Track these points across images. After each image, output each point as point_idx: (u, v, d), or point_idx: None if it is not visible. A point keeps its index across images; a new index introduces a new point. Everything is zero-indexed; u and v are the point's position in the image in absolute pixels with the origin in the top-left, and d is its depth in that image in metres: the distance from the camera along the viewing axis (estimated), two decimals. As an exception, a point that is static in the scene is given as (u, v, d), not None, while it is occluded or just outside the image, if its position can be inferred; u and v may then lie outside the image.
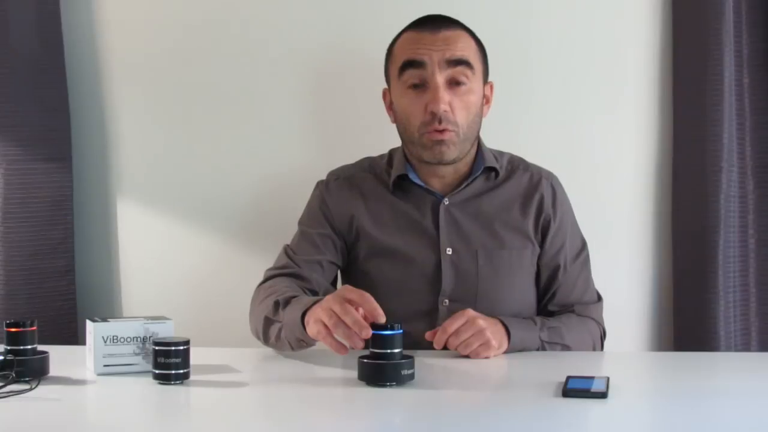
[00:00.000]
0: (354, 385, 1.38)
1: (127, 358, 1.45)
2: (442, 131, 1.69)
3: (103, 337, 1.45)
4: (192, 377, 1.40)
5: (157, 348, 1.38)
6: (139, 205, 2.14)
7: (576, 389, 1.30)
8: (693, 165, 2.01)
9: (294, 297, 1.59)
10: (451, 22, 1.73)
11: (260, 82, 2.11)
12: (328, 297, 1.44)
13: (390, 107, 1.80)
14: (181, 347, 1.38)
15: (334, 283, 1.82)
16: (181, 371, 1.38)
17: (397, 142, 1.83)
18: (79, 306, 2.11)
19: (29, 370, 1.38)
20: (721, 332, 1.98)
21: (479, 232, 1.76)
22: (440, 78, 1.68)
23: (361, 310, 1.39)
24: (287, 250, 1.79)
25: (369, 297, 1.40)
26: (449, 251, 1.75)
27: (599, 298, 1.83)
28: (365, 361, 1.37)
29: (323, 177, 1.86)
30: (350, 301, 1.40)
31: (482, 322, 1.58)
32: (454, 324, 1.57)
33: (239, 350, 1.68)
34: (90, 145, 2.15)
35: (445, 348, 1.58)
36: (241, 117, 2.11)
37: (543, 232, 1.78)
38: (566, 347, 1.69)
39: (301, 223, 1.84)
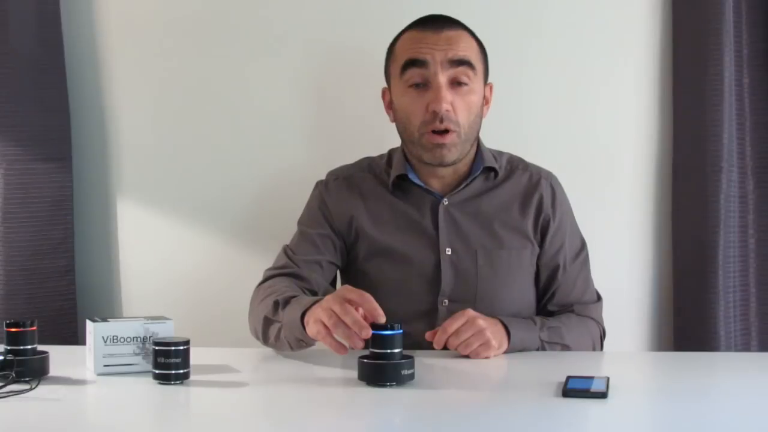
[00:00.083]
0: (354, 385, 1.38)
1: (127, 358, 1.46)
2: (443, 134, 1.69)
3: (103, 337, 1.45)
4: (192, 377, 1.40)
5: (157, 348, 1.38)
6: (139, 205, 2.14)
7: (576, 389, 1.30)
8: (693, 165, 2.01)
9: (293, 297, 1.59)
10: (453, 22, 1.73)
11: (260, 82, 2.11)
12: (328, 297, 1.44)
13: (389, 106, 1.80)
14: (181, 347, 1.38)
15: (333, 284, 1.82)
16: (181, 371, 1.38)
17: (396, 143, 1.83)
18: (79, 306, 2.11)
19: (29, 370, 1.38)
20: (721, 332, 1.98)
21: (478, 232, 1.76)
22: (442, 78, 1.68)
23: (361, 310, 1.39)
24: (286, 250, 1.79)
25: (369, 297, 1.40)
26: (448, 251, 1.75)
27: (599, 298, 1.83)
28: (365, 361, 1.37)
29: (323, 177, 1.86)
30: (350, 301, 1.40)
31: (482, 322, 1.58)
32: (454, 324, 1.57)
33: (239, 350, 1.68)
34: (90, 145, 2.15)
35: (445, 348, 1.58)
36: (240, 117, 2.11)
37: (542, 231, 1.78)
38: (566, 347, 1.69)
39: (300, 223, 1.84)
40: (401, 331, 1.37)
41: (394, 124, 1.81)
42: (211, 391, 1.37)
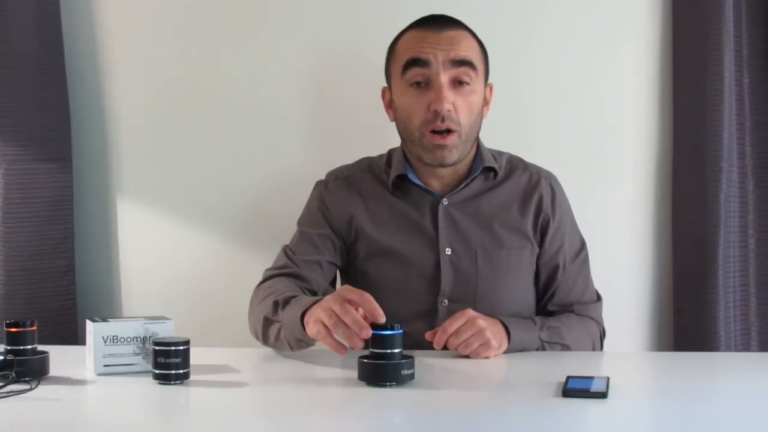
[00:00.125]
0: (354, 385, 1.38)
1: (127, 358, 1.45)
2: (444, 136, 1.69)
3: (103, 337, 1.44)
4: (192, 377, 1.40)
5: (157, 348, 1.38)
6: (139, 205, 2.14)
7: (576, 389, 1.30)
8: (693, 165, 2.01)
9: (293, 297, 1.59)
10: (454, 22, 1.73)
11: (260, 82, 2.11)
12: (328, 297, 1.44)
13: (389, 106, 1.80)
14: (181, 347, 1.38)
15: (333, 284, 1.82)
16: (181, 371, 1.38)
17: (396, 143, 1.83)
18: (79, 306, 2.11)
19: (29, 370, 1.38)
20: (721, 332, 1.98)
21: (478, 232, 1.76)
22: (444, 77, 1.68)
23: (360, 310, 1.39)
24: (286, 251, 1.79)
25: (369, 297, 1.40)
26: (448, 251, 1.75)
27: (598, 298, 1.83)
28: (365, 361, 1.37)
29: (323, 177, 1.86)
30: (350, 301, 1.40)
31: (482, 322, 1.58)
32: (454, 324, 1.57)
33: (239, 350, 1.68)
34: (90, 145, 2.15)
35: (445, 348, 1.58)
36: (240, 117, 2.11)
37: (542, 231, 1.78)
38: (566, 347, 1.69)
39: (300, 223, 1.84)
40: (401, 331, 1.37)
41: (393, 124, 1.81)
42: (211, 391, 1.37)
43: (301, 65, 2.10)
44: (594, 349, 1.77)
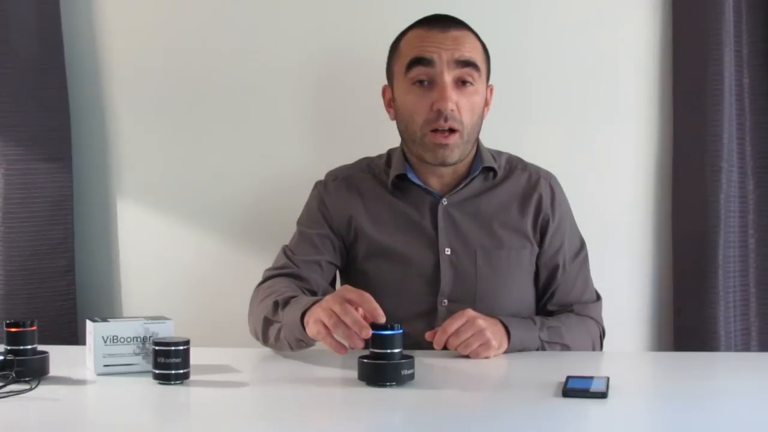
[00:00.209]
0: (354, 385, 1.38)
1: (127, 358, 1.45)
2: (447, 135, 1.69)
3: (103, 337, 1.45)
4: (192, 377, 1.40)
5: (157, 348, 1.38)
6: (139, 205, 2.14)
7: (576, 389, 1.30)
8: (693, 165, 2.01)
9: (293, 297, 1.59)
10: (458, 23, 1.73)
11: (260, 82, 2.11)
12: (328, 297, 1.44)
13: (389, 104, 1.80)
14: (181, 347, 1.38)
15: (333, 284, 1.82)
16: (181, 371, 1.38)
17: (395, 143, 1.83)
18: (79, 306, 2.11)
19: (29, 370, 1.38)
20: (721, 332, 1.98)
21: (478, 232, 1.76)
22: (448, 77, 1.68)
23: (360, 310, 1.39)
24: (286, 251, 1.79)
25: (369, 297, 1.40)
26: (448, 251, 1.75)
27: (598, 298, 1.83)
28: (365, 361, 1.37)
29: (322, 177, 1.86)
30: (350, 301, 1.40)
31: (482, 322, 1.58)
32: (453, 324, 1.57)
33: (239, 350, 1.68)
34: (90, 145, 2.15)
35: (445, 348, 1.58)
36: (240, 117, 2.11)
37: (542, 231, 1.78)
38: (566, 347, 1.69)
39: (299, 223, 1.84)
40: (401, 331, 1.37)
41: (393, 125, 1.81)
42: (211, 391, 1.37)
43: (300, 65, 2.10)
44: (594, 349, 1.77)
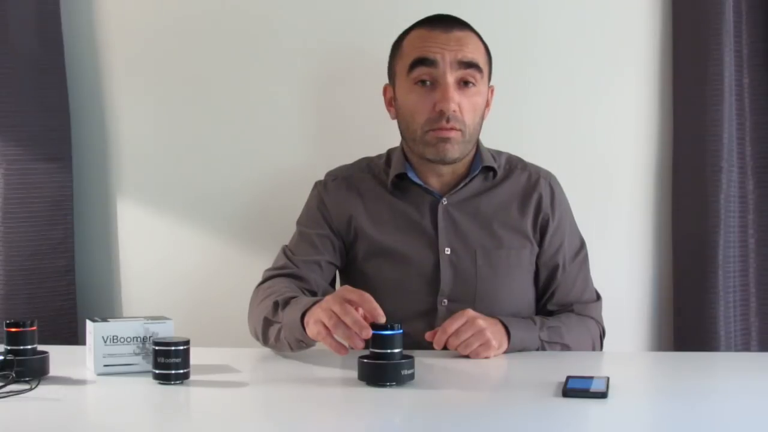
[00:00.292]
0: (354, 385, 1.38)
1: (127, 358, 1.46)
2: (449, 129, 1.69)
3: (103, 337, 1.45)
4: (192, 377, 1.40)
5: (157, 348, 1.38)
6: (139, 205, 2.14)
7: (576, 389, 1.30)
8: (693, 165, 2.01)
9: (293, 297, 1.59)
10: (461, 23, 1.73)
11: (260, 83, 2.11)
12: (328, 297, 1.44)
13: (390, 103, 1.80)
14: (181, 347, 1.38)
15: (332, 284, 1.82)
16: (181, 371, 1.38)
17: (395, 143, 1.83)
18: (79, 306, 2.11)
19: (29, 370, 1.38)
20: (721, 332, 1.98)
21: (478, 232, 1.76)
22: (451, 78, 1.68)
23: (360, 310, 1.39)
24: (286, 251, 1.79)
25: (369, 297, 1.40)
26: (448, 251, 1.75)
27: (598, 297, 1.83)
28: (365, 361, 1.37)
29: (322, 177, 1.86)
30: (350, 302, 1.40)
31: (482, 322, 1.58)
32: (453, 324, 1.57)
33: (239, 350, 1.68)
34: (90, 145, 2.15)
35: (445, 348, 1.58)
36: (240, 117, 2.12)
37: (541, 231, 1.79)
38: (566, 347, 1.69)
39: (299, 223, 1.84)
40: (401, 331, 1.37)
41: (393, 125, 1.81)
42: (211, 391, 1.37)
43: (300, 65, 2.10)
44: (594, 349, 1.77)
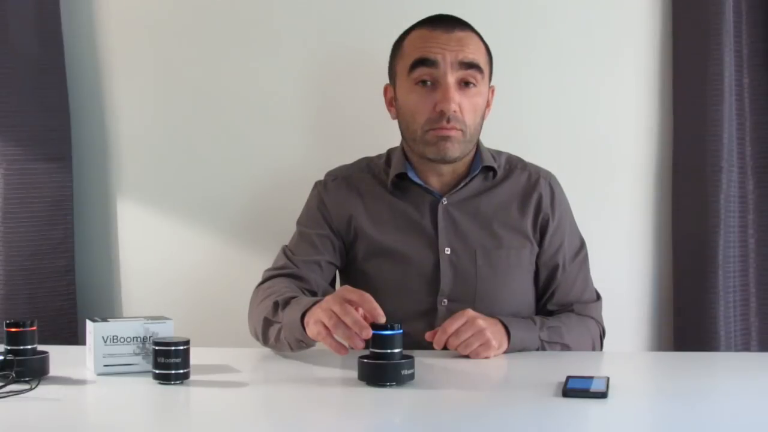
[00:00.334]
0: (354, 385, 1.38)
1: (127, 358, 1.46)
2: (449, 129, 1.69)
3: (103, 337, 1.44)
4: (192, 377, 1.40)
5: (157, 348, 1.38)
6: (139, 205, 2.14)
7: (576, 389, 1.30)
8: (693, 165, 2.01)
9: (293, 298, 1.59)
10: (462, 23, 1.73)
11: (260, 82, 2.11)
12: (328, 298, 1.44)
13: (391, 103, 1.80)
14: (181, 347, 1.38)
15: (332, 284, 1.82)
16: (181, 371, 1.38)
17: (395, 143, 1.83)
18: (79, 306, 2.11)
19: (29, 370, 1.38)
20: (721, 332, 1.98)
21: (478, 232, 1.76)
22: (451, 78, 1.68)
23: (360, 311, 1.39)
24: (286, 251, 1.79)
25: (369, 297, 1.40)
26: (448, 251, 1.75)
27: (598, 297, 1.83)
28: (365, 361, 1.37)
29: (322, 177, 1.86)
30: (350, 302, 1.40)
31: (482, 322, 1.58)
32: (453, 324, 1.57)
33: (239, 350, 1.68)
34: (90, 145, 2.15)
35: (445, 348, 1.58)
36: (241, 117, 2.12)
37: (541, 231, 1.79)
38: (566, 347, 1.69)
39: (299, 223, 1.84)
40: (401, 331, 1.37)
41: (393, 124, 1.81)
42: (211, 391, 1.37)
43: (300, 65, 2.10)
44: (594, 349, 1.77)
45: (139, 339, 1.46)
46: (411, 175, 1.78)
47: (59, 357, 1.47)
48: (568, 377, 1.36)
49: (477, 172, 1.78)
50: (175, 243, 2.13)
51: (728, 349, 1.99)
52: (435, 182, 1.78)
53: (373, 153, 1.89)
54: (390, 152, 1.85)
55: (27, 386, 1.35)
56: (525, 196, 1.80)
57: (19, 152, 2.05)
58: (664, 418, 1.27)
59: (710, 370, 1.62)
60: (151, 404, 1.33)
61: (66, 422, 1.24)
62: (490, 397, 1.40)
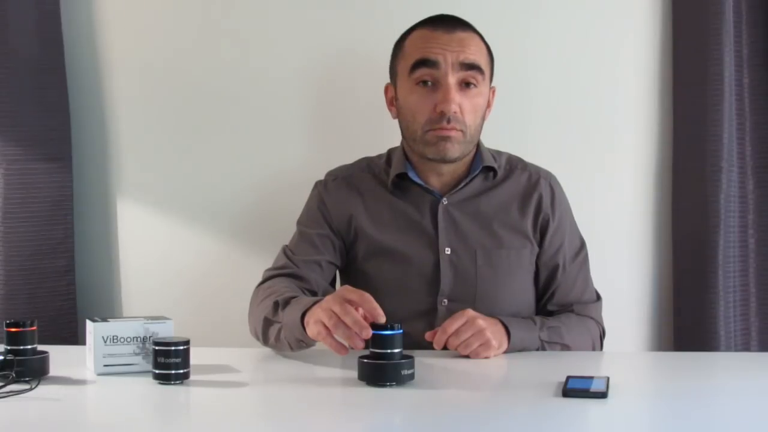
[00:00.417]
0: (354, 385, 1.38)
1: (127, 358, 1.45)
2: (449, 129, 1.69)
3: (103, 337, 1.44)
4: (192, 377, 1.40)
5: (157, 348, 1.38)
6: (139, 205, 2.14)
7: (576, 389, 1.30)
8: (693, 165, 2.01)
9: (293, 297, 1.59)
10: (464, 24, 1.73)
11: (260, 82, 2.11)
12: (328, 297, 1.44)
13: (391, 103, 1.80)
14: (181, 347, 1.38)
15: (333, 284, 1.82)
16: (181, 371, 1.38)
17: (395, 143, 1.83)
18: (79, 306, 2.11)
19: (29, 370, 1.38)
20: (721, 332, 1.98)
21: (478, 232, 1.76)
22: (452, 79, 1.68)
23: (361, 310, 1.39)
24: (286, 251, 1.79)
25: (369, 297, 1.40)
26: (448, 251, 1.75)
27: (598, 298, 1.83)
28: (365, 361, 1.37)
29: (322, 177, 1.86)
30: (350, 302, 1.40)
31: (482, 322, 1.58)
32: (453, 324, 1.57)
33: (239, 350, 1.68)
34: (90, 145, 2.15)
35: (445, 348, 1.58)
36: (240, 117, 2.12)
37: (542, 231, 1.79)
38: (566, 347, 1.69)
39: (299, 223, 1.84)
40: (401, 331, 1.37)
41: (393, 124, 1.81)
42: (211, 391, 1.37)
43: (301, 65, 2.10)
44: (594, 349, 1.77)
45: (139, 339, 1.46)
46: (411, 175, 1.78)
47: (59, 357, 1.47)
48: (568, 377, 1.36)
49: (477, 172, 1.78)
50: (175, 243, 2.13)
51: (728, 349, 1.99)
52: (435, 182, 1.78)
53: (373, 153, 1.89)
54: (390, 152, 1.85)
55: (27, 386, 1.35)
56: (525, 196, 1.79)
57: (19, 152, 2.05)
58: (664, 418, 1.27)
59: (710, 370, 1.62)
60: (151, 404, 1.33)
61: (66, 422, 1.24)
62: (490, 397, 1.40)
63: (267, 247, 1.95)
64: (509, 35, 2.06)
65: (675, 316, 2.05)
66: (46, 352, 1.43)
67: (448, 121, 1.68)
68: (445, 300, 1.73)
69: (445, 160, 1.73)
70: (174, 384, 1.38)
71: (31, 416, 1.24)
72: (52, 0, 2.07)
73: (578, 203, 1.88)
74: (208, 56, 2.12)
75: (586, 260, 1.83)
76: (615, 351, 1.89)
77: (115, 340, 1.45)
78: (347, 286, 1.46)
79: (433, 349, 1.58)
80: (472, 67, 1.69)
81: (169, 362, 1.38)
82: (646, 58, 2.07)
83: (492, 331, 1.58)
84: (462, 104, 1.69)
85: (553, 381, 1.38)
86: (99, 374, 1.44)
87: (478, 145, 1.80)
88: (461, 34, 1.71)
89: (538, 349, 1.67)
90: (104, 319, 1.47)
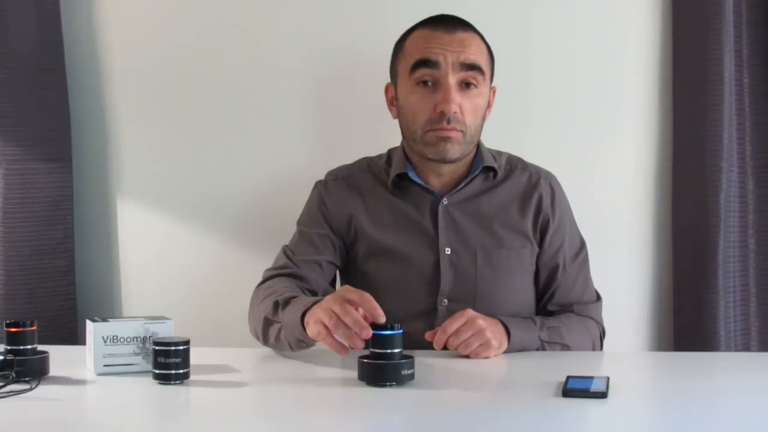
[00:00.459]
0: (354, 385, 1.38)
1: (127, 358, 1.45)
2: (449, 129, 1.69)
3: (103, 337, 1.44)
4: (192, 377, 1.40)
5: (157, 348, 1.38)
6: (139, 205, 2.14)
7: (576, 389, 1.30)
8: (693, 165, 2.01)
9: (293, 297, 1.59)
10: (464, 24, 1.73)
11: (260, 82, 2.11)
12: (328, 297, 1.44)
13: (392, 103, 1.80)
14: (181, 347, 1.38)
15: (333, 284, 1.82)
16: (181, 371, 1.38)
17: (395, 143, 1.83)
18: (79, 306, 2.11)
19: (29, 370, 1.38)
20: (721, 332, 1.98)
21: (478, 232, 1.76)
22: (453, 79, 1.68)
23: (361, 310, 1.39)
24: (286, 251, 1.79)
25: (369, 297, 1.40)
26: (448, 251, 1.75)
27: (598, 298, 1.83)
28: (365, 361, 1.37)
29: (322, 177, 1.86)
30: (350, 302, 1.40)
31: (482, 322, 1.58)
32: (453, 324, 1.57)
33: (239, 350, 1.68)
34: (90, 145, 2.15)
35: (445, 348, 1.58)
36: (240, 117, 2.11)
37: (542, 231, 1.79)
38: (566, 347, 1.69)
39: (299, 223, 1.84)
40: (401, 331, 1.37)
41: (393, 124, 1.81)
42: (211, 391, 1.37)
43: (300, 65, 2.10)
44: (594, 349, 1.77)
45: (139, 339, 1.46)
46: (411, 175, 1.78)
47: (59, 357, 1.47)
48: (568, 377, 1.36)
49: (477, 172, 1.78)
50: (175, 243, 2.13)
51: (728, 349, 1.99)
52: (435, 182, 1.78)
53: (373, 153, 1.89)
54: (390, 152, 1.85)
55: (27, 386, 1.35)
56: (525, 196, 1.80)
57: (19, 152, 2.05)
58: (664, 418, 1.27)
59: (710, 370, 1.62)
60: (151, 404, 1.33)
61: (66, 422, 1.24)
62: (490, 397, 1.40)
63: (267, 247, 1.95)
64: (509, 35, 2.06)
65: (675, 316, 2.05)
66: (46, 352, 1.43)
67: (448, 122, 1.68)
68: (445, 300, 1.73)
69: (445, 161, 1.73)
70: (174, 384, 1.38)
71: (31, 416, 1.24)
72: (52, 0, 2.07)
73: (578, 203, 1.88)
74: (208, 56, 2.12)
75: (586, 260, 1.83)
76: (615, 351, 1.89)
77: (115, 340, 1.45)
78: (347, 286, 1.46)
79: (433, 349, 1.58)
80: (473, 67, 1.69)
81: (169, 362, 1.38)
82: (646, 57, 2.07)
83: (492, 331, 1.58)
84: (462, 104, 1.69)
85: (553, 381, 1.38)
86: (99, 374, 1.44)
87: (479, 146, 1.80)
88: (462, 35, 1.71)
89: (538, 349, 1.67)
90: (104, 319, 1.47)
